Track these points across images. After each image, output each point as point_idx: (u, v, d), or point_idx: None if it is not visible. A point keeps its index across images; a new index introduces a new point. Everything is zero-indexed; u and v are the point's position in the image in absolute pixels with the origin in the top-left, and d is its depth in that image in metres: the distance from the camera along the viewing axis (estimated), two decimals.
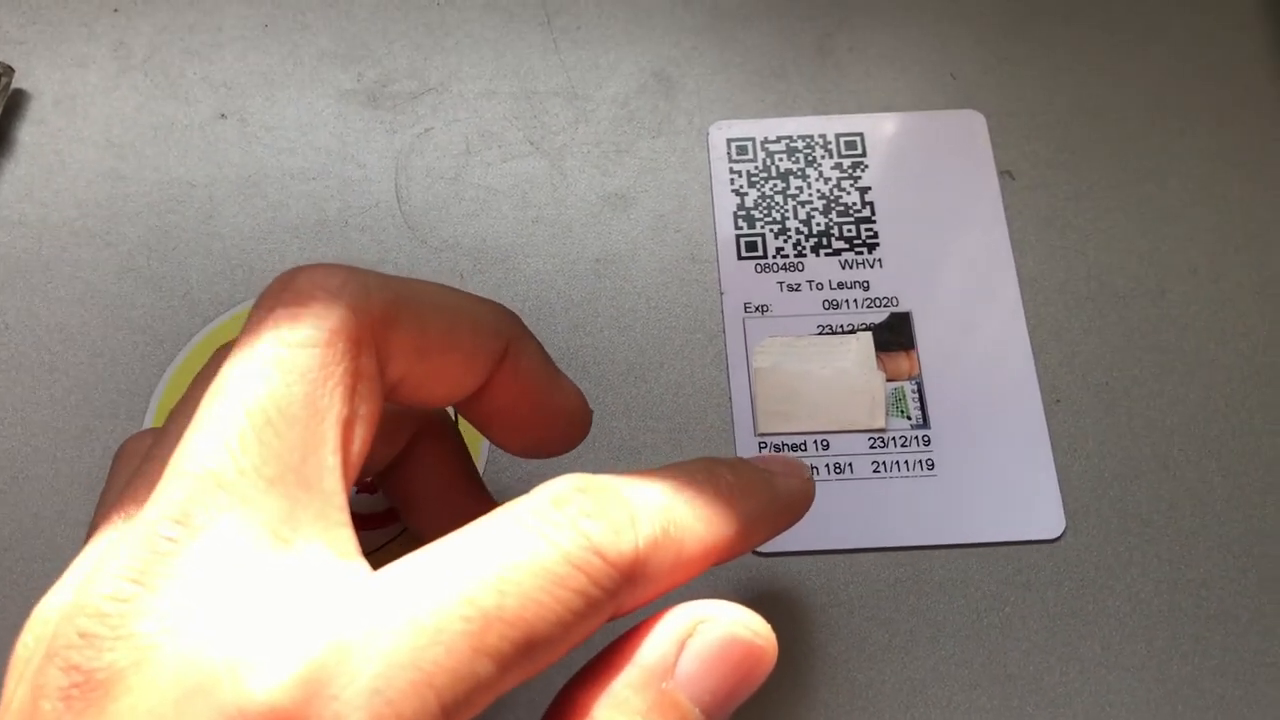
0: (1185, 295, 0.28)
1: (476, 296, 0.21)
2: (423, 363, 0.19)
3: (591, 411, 0.24)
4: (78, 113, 0.30)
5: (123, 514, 0.17)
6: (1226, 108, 0.30)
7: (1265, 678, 0.25)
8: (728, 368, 0.28)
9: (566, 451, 0.24)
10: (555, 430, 0.23)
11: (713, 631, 0.18)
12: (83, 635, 0.15)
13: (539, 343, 0.22)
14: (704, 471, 0.20)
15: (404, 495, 0.23)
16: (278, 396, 0.16)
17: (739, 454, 0.27)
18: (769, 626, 0.18)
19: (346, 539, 0.17)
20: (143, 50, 0.31)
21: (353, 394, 0.17)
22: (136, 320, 0.28)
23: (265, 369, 0.17)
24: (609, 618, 0.17)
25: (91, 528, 0.20)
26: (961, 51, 0.31)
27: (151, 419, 0.27)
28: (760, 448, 0.27)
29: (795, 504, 0.22)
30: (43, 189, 0.29)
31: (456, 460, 0.24)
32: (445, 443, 0.23)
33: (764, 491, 0.21)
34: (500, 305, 0.21)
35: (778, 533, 0.22)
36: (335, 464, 0.17)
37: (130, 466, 0.20)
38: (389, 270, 0.29)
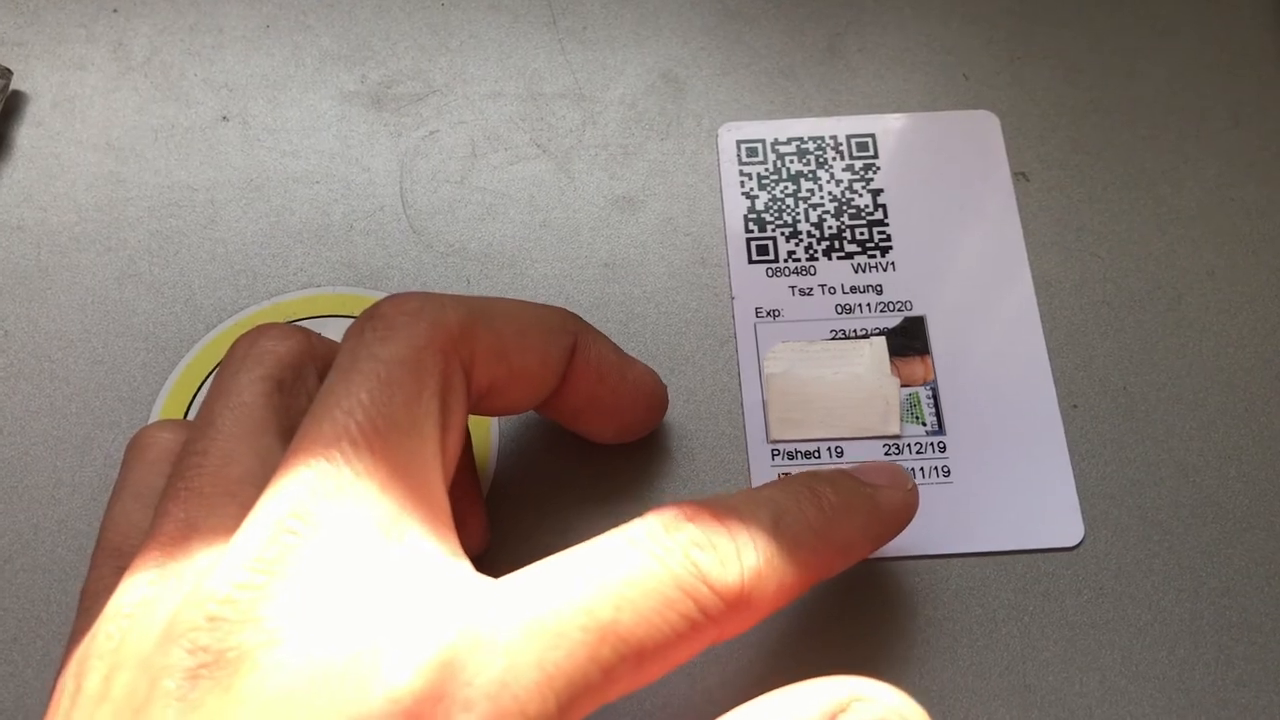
0: (1203, 298, 0.28)
1: (539, 304, 0.22)
2: (504, 367, 0.20)
3: (665, 387, 0.26)
4: (77, 115, 0.30)
5: (182, 511, 0.18)
6: (1242, 107, 0.30)
7: None
8: (739, 373, 0.27)
9: (650, 430, 0.26)
10: (637, 411, 0.25)
11: (867, 713, 0.18)
12: (211, 619, 0.16)
13: (605, 335, 0.24)
14: (807, 492, 0.20)
15: None
16: (383, 407, 0.18)
17: (751, 462, 0.26)
18: (926, 718, 0.18)
19: (452, 539, 0.18)
20: (142, 52, 0.31)
21: (445, 403, 0.19)
22: (138, 326, 0.28)
23: (368, 384, 0.18)
24: (711, 642, 0.18)
25: (112, 520, 0.20)
26: (974, 51, 0.31)
27: None
28: (773, 455, 0.26)
29: (898, 517, 0.22)
30: (41, 193, 0.29)
31: (466, 460, 0.24)
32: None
33: (866, 509, 0.21)
34: (562, 308, 0.23)
35: (881, 546, 0.22)
36: (437, 467, 0.18)
37: (147, 459, 0.21)
38: (395, 275, 0.28)
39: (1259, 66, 0.31)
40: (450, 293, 0.21)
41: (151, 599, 0.17)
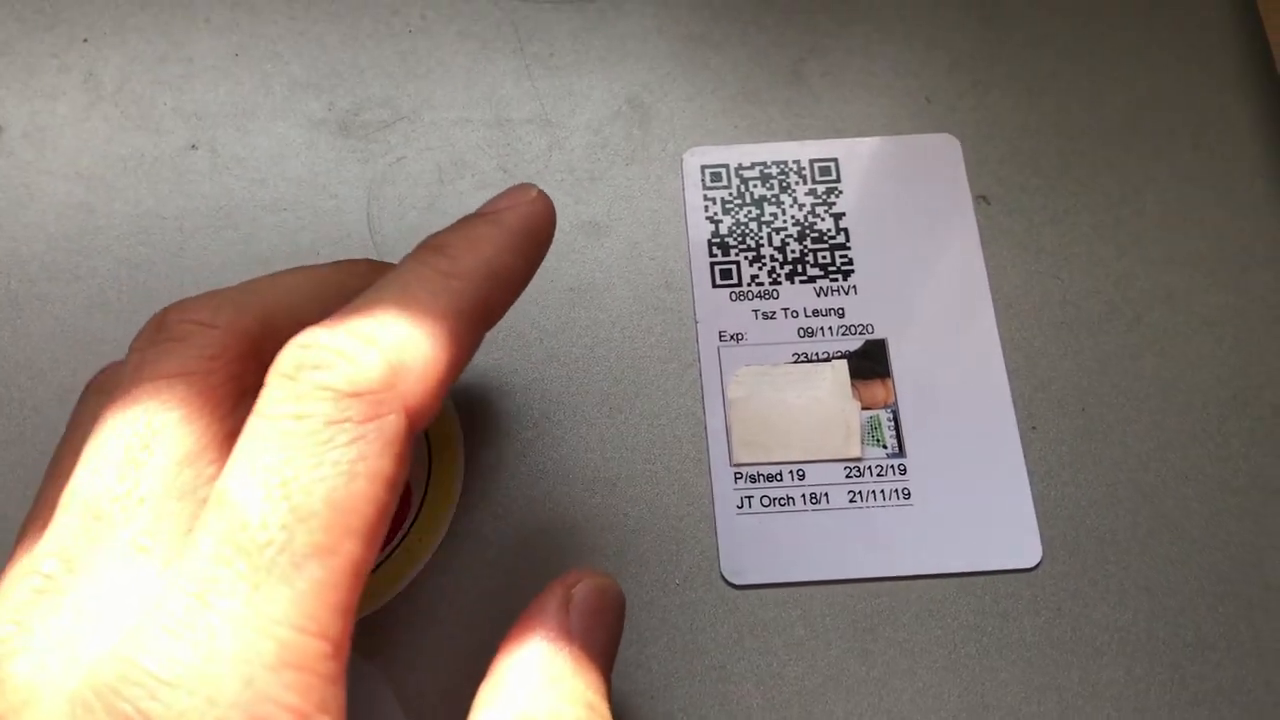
0: (1161, 319, 0.28)
1: (336, 264, 0.22)
2: None
3: None
4: (47, 145, 0.30)
5: (25, 551, 0.18)
6: (1201, 131, 0.30)
7: (1242, 705, 0.25)
8: (703, 398, 0.27)
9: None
10: None
11: (586, 588, 0.20)
12: None
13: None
14: (427, 250, 0.19)
15: None
16: (153, 422, 0.17)
17: (714, 485, 0.27)
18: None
19: None
20: (113, 81, 0.31)
21: (235, 409, 0.18)
22: (107, 355, 0.28)
23: (143, 400, 0.17)
24: (409, 431, 0.17)
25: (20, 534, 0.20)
26: (936, 75, 0.31)
27: None
28: (736, 478, 0.27)
29: (532, 223, 0.21)
30: (11, 223, 0.29)
31: None
32: None
33: (494, 233, 0.20)
34: (358, 260, 0.22)
35: (532, 261, 0.21)
36: (213, 473, 0.17)
37: (92, 404, 0.21)
38: None
39: (1219, 91, 0.31)
40: (243, 284, 0.20)
41: None
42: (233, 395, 0.18)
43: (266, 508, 0.15)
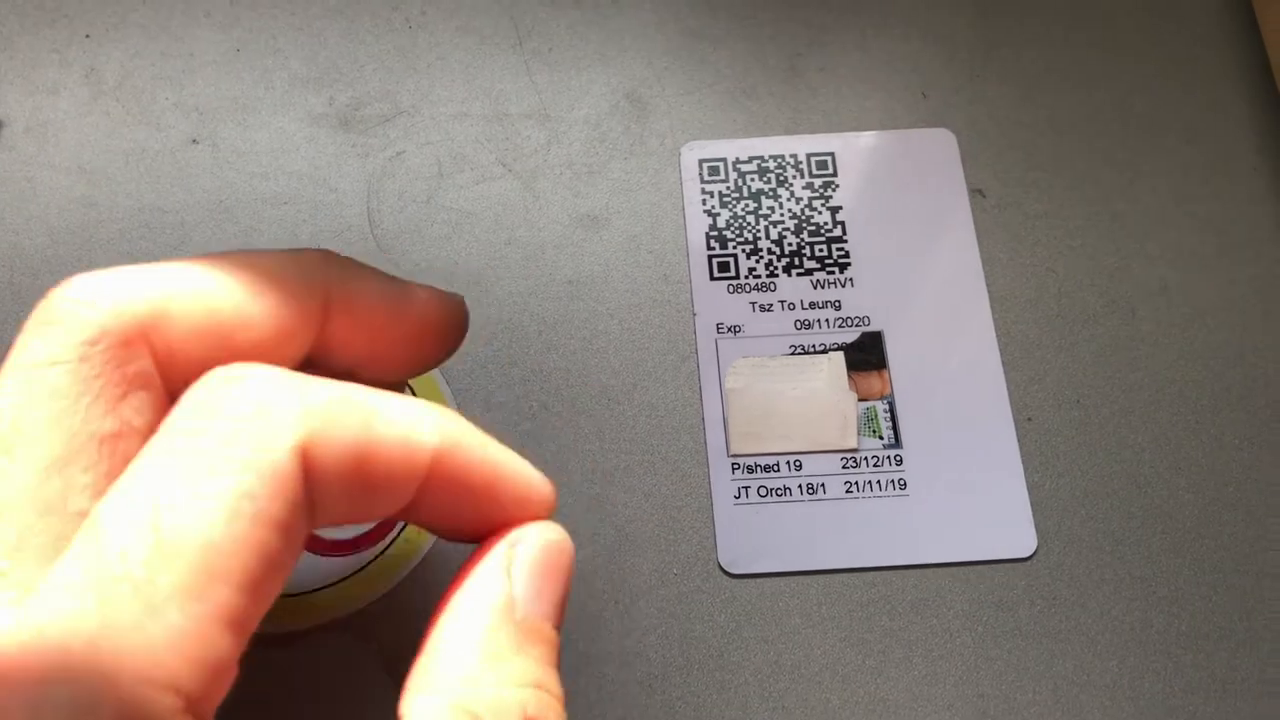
0: (1156, 312, 0.28)
1: (286, 253, 0.19)
2: (223, 352, 0.17)
3: (461, 303, 0.22)
4: (49, 139, 0.30)
5: None
6: (1195, 124, 0.31)
7: (1236, 694, 0.25)
8: (700, 389, 0.28)
9: (446, 358, 0.22)
10: (424, 349, 0.21)
11: (527, 555, 0.17)
12: None
13: (374, 271, 0.20)
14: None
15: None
16: (17, 421, 0.15)
17: (712, 476, 0.27)
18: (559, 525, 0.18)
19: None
20: (114, 76, 0.31)
21: (118, 405, 0.16)
22: None
23: (9, 395, 0.16)
24: (306, 482, 0.15)
25: None
26: (932, 70, 0.31)
27: None
28: (733, 469, 0.27)
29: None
30: (14, 216, 0.29)
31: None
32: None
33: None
34: (317, 251, 0.19)
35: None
36: (88, 481, 0.15)
37: None
38: None
39: (1212, 85, 0.31)
40: (160, 263, 0.18)
41: None
42: (114, 388, 0.16)
43: (132, 539, 0.14)
